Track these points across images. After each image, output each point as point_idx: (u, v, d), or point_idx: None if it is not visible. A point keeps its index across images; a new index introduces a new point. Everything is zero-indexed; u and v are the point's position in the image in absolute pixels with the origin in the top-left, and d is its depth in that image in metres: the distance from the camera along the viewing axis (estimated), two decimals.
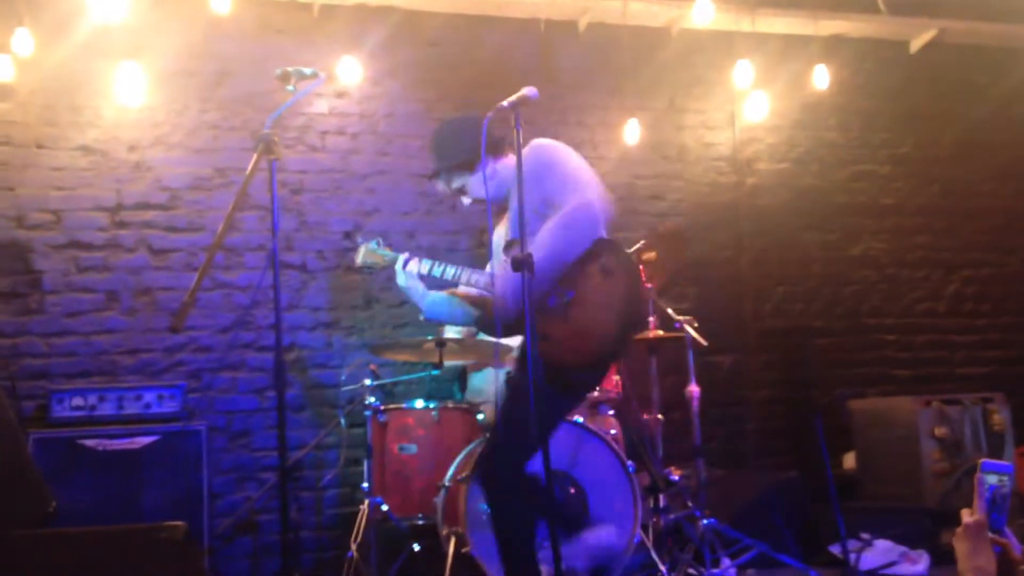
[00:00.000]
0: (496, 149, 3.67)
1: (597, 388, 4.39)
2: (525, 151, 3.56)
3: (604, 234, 3.50)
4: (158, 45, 5.17)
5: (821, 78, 5.96)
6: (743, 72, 5.79)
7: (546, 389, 3.36)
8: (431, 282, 3.71)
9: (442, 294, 3.74)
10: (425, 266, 3.70)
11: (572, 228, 3.44)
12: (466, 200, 3.73)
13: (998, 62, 6.61)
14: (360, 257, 3.78)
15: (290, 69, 3.38)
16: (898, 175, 6.47)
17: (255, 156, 3.15)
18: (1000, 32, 6.48)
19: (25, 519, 2.76)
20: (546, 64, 5.87)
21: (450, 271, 3.68)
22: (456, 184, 3.67)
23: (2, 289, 4.88)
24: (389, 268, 3.75)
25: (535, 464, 3.50)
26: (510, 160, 3.67)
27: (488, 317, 3.72)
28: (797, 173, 6.29)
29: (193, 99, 5.25)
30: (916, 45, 6.47)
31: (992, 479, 1.91)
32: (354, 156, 5.49)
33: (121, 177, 5.10)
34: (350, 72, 5.31)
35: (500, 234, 3.78)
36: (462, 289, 3.74)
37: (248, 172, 3.11)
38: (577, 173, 3.49)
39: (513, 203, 3.61)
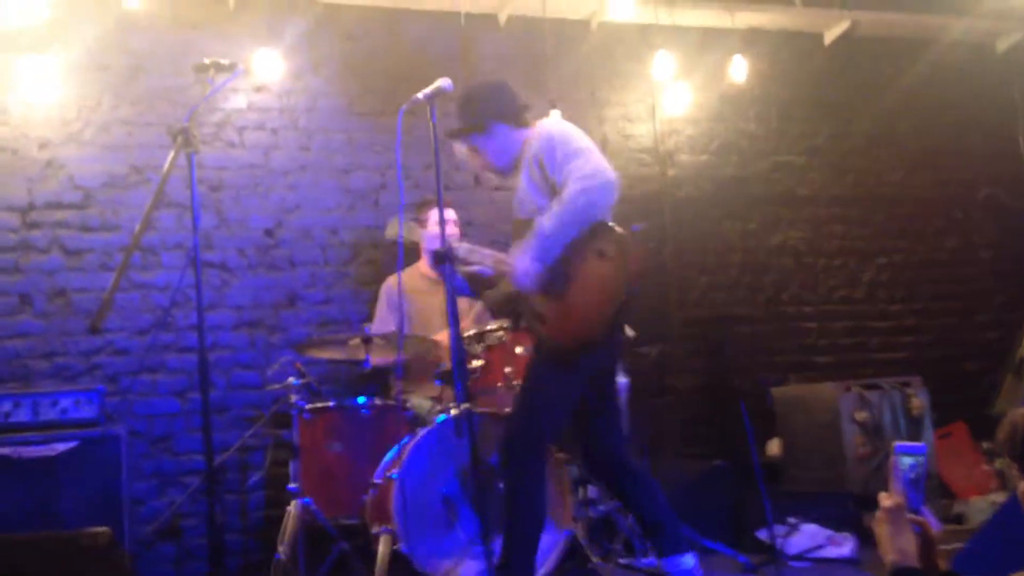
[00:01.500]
0: (514, 118, 3.71)
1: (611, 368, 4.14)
2: (534, 131, 3.65)
3: (605, 216, 3.55)
4: (68, 38, 5.02)
5: (739, 70, 6.04)
6: (662, 64, 5.85)
7: (550, 369, 3.52)
8: None
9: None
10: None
11: (570, 212, 3.47)
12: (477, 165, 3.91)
13: (908, 53, 6.78)
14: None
15: (207, 61, 3.32)
16: (814, 165, 6.59)
17: (173, 150, 3.08)
18: (910, 23, 6.64)
19: None
20: (467, 57, 5.84)
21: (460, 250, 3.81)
22: (469, 144, 3.78)
23: None
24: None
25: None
26: (528, 134, 3.71)
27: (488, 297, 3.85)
28: (717, 164, 6.36)
29: (106, 94, 5.11)
30: (830, 37, 6.59)
31: (907, 460, 1.94)
32: (275, 152, 5.40)
33: (32, 176, 4.94)
34: (269, 66, 5.22)
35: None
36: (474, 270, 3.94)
37: (166, 167, 3.04)
38: (579, 153, 3.52)
39: (521, 179, 3.64)
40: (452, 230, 4.86)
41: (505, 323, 4.38)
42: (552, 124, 3.73)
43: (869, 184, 6.68)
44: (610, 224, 3.56)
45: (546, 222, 3.52)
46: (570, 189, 3.47)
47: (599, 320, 3.50)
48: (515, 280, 3.59)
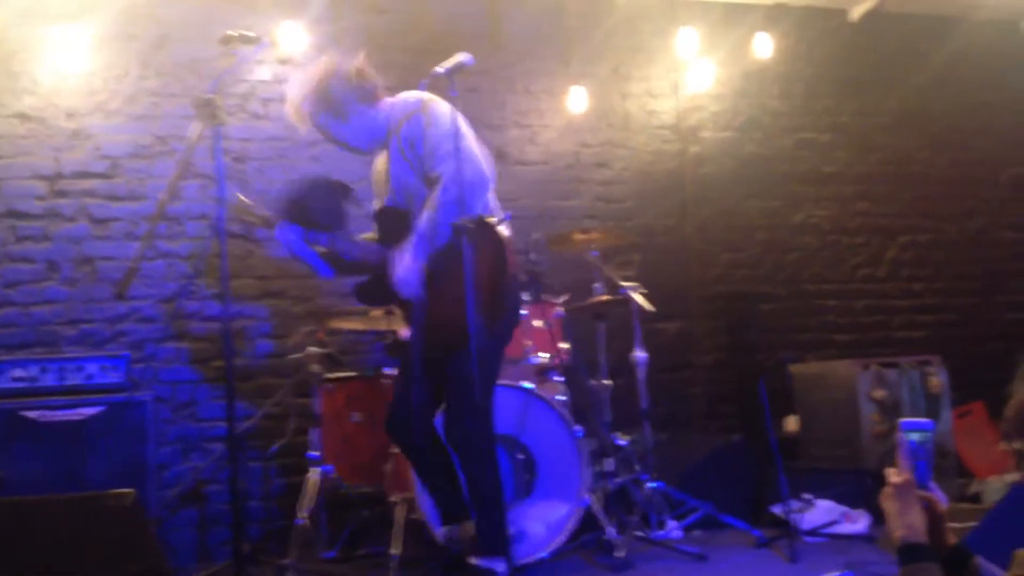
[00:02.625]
0: (366, 97, 3.63)
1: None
2: (398, 100, 3.59)
3: (477, 207, 3.44)
4: (97, 8, 5.05)
5: (763, 46, 6.01)
6: (686, 40, 5.83)
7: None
8: None
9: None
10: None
11: (443, 208, 3.40)
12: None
13: (937, 30, 6.71)
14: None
15: (233, 32, 3.34)
16: (839, 143, 6.56)
17: (199, 122, 3.12)
18: (938, 0, 6.57)
19: None
20: (494, 31, 5.84)
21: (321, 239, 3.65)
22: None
23: None
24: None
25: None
26: (385, 108, 3.65)
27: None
28: (741, 141, 6.35)
29: (133, 64, 5.15)
30: (857, 13, 6.54)
31: (914, 436, 1.96)
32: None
33: (59, 145, 5.00)
34: (294, 38, 5.24)
35: (379, 192, 3.79)
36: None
37: (192, 138, 3.08)
38: (449, 141, 3.38)
39: (394, 168, 3.58)
40: None
41: (524, 296, 4.42)
42: (419, 103, 3.56)
43: (894, 162, 6.65)
44: (482, 217, 3.44)
45: (422, 226, 3.44)
46: (441, 192, 3.39)
47: (465, 311, 3.31)
48: (398, 288, 3.50)
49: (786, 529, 4.31)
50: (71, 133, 5.02)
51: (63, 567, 2.54)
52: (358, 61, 3.63)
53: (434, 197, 3.43)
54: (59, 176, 4.99)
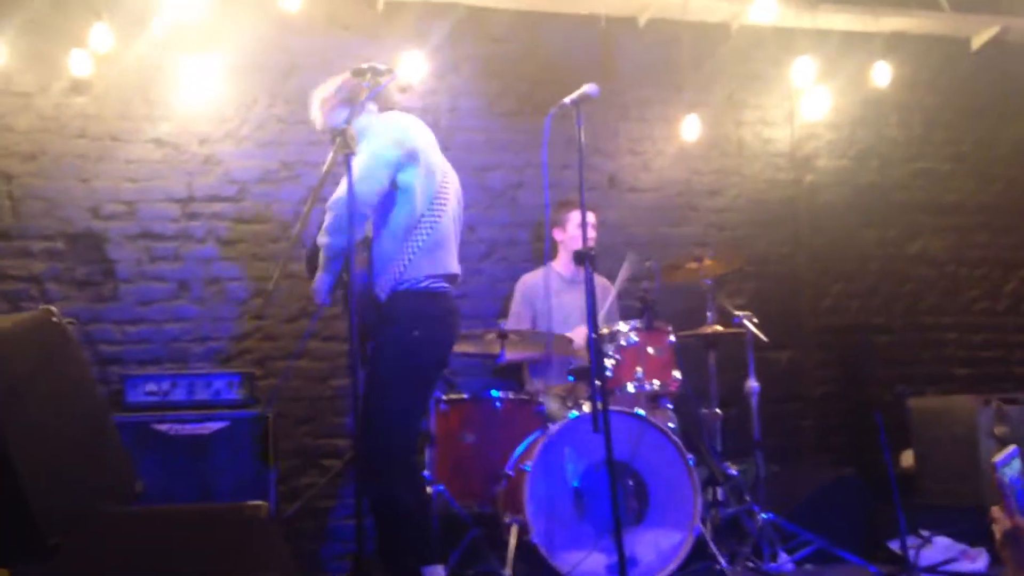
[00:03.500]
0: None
1: None
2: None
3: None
4: (229, 40, 5.29)
5: (882, 75, 5.95)
6: (803, 68, 5.80)
7: None
8: None
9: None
10: None
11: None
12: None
13: None
14: None
15: (364, 66, 3.46)
16: (959, 173, 6.43)
17: (332, 151, 3.24)
18: None
19: (113, 497, 2.87)
20: (606, 60, 5.91)
21: None
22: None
23: (78, 277, 5.04)
24: None
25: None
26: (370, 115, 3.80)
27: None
28: (856, 170, 6.27)
29: (262, 93, 5.36)
30: (978, 42, 6.42)
31: (1009, 472, 1.90)
32: None
33: (192, 170, 5.24)
34: (414, 67, 5.38)
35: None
36: None
37: (326, 166, 3.21)
38: (367, 159, 3.53)
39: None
40: (591, 233, 4.93)
41: (637, 324, 4.46)
42: (378, 116, 3.83)
43: (1018, 193, 6.48)
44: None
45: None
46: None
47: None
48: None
49: (903, 565, 4.24)
50: (203, 159, 5.25)
51: None
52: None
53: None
54: (191, 199, 5.22)
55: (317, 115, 3.91)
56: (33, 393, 2.66)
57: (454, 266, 3.76)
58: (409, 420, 3.68)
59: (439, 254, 3.68)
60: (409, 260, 3.61)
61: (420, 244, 3.62)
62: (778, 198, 6.11)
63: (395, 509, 3.52)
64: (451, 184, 3.86)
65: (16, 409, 2.57)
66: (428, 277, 3.63)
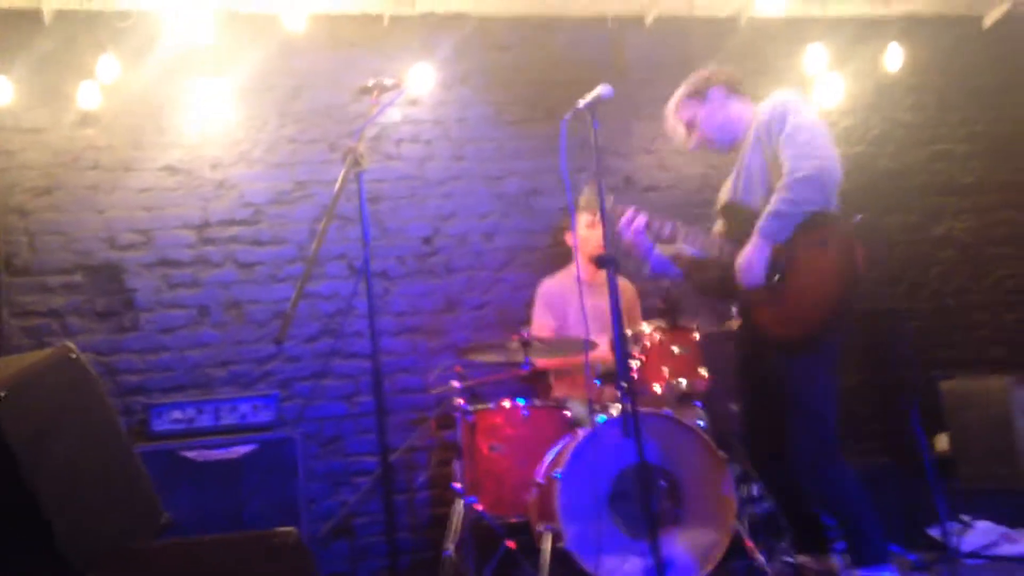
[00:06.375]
0: (733, 86, 3.81)
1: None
2: (766, 100, 3.71)
3: (829, 204, 3.57)
4: (236, 63, 5.30)
5: (894, 59, 5.88)
6: (814, 57, 5.75)
7: (806, 364, 3.56)
8: None
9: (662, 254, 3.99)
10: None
11: (795, 188, 3.50)
12: (691, 143, 3.90)
13: None
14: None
15: (371, 82, 3.45)
16: (976, 152, 6.35)
17: (344, 168, 3.23)
18: None
19: (141, 531, 2.85)
20: (615, 60, 5.88)
21: (666, 228, 3.85)
22: (685, 114, 3.84)
23: (98, 309, 5.05)
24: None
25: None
26: (748, 107, 3.80)
27: (695, 278, 3.92)
28: (874, 156, 6.21)
29: (272, 114, 5.37)
30: (989, 20, 6.35)
31: None
32: (429, 162, 5.57)
33: (206, 195, 5.24)
34: (422, 80, 5.38)
35: (726, 188, 3.83)
36: (680, 248, 3.99)
37: (338, 184, 3.19)
38: (807, 132, 3.52)
39: (747, 160, 3.67)
40: (597, 231, 4.88)
41: (661, 323, 4.41)
42: (786, 93, 3.71)
43: None
44: (833, 212, 3.53)
45: (772, 208, 3.51)
46: (793, 170, 3.47)
47: (819, 314, 3.47)
48: (742, 277, 3.59)
49: (944, 552, 4.18)
50: (217, 183, 5.25)
51: None
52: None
53: (786, 179, 3.51)
54: (206, 224, 5.22)
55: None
56: (56, 434, 2.65)
57: None
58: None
59: None
60: None
61: None
62: None
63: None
64: None
65: (42, 452, 2.56)
66: None
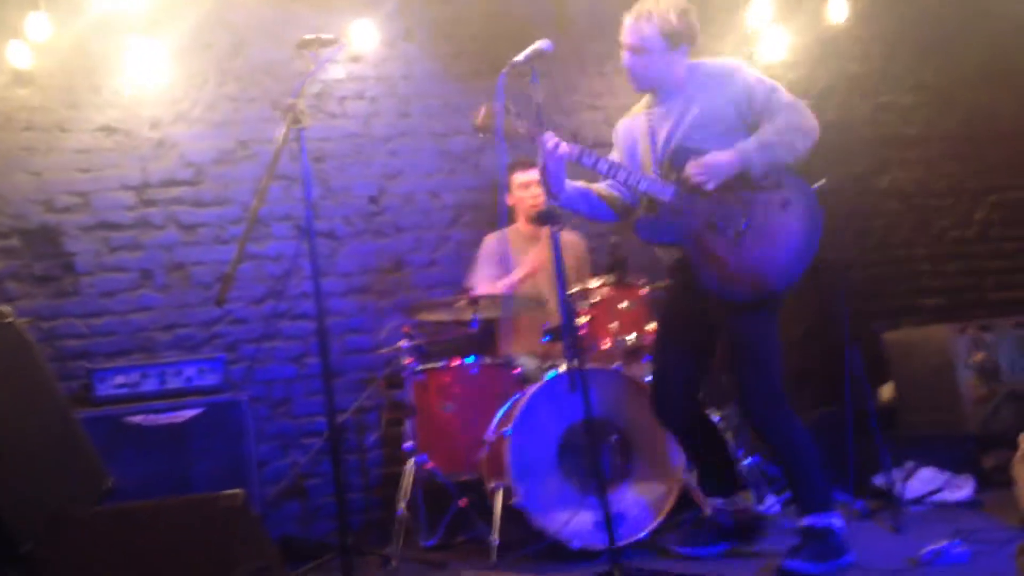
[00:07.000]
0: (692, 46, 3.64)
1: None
2: (703, 63, 3.68)
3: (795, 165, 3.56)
4: (172, 19, 5.15)
5: (838, 9, 5.88)
6: (758, 9, 5.73)
7: (756, 319, 3.58)
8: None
9: (581, 187, 3.77)
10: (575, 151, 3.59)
11: (790, 131, 3.51)
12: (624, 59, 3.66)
13: None
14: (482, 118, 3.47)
15: (310, 37, 3.39)
16: (921, 103, 6.38)
17: (284, 127, 3.17)
18: None
19: (83, 497, 2.81)
20: (560, 14, 5.82)
21: (602, 165, 3.62)
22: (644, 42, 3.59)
23: (37, 273, 4.94)
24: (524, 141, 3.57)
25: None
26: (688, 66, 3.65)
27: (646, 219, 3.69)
28: (819, 108, 6.11)
29: (211, 72, 5.25)
30: None
31: None
32: (374, 120, 5.49)
33: (145, 155, 5.13)
34: (365, 36, 5.29)
35: (661, 134, 3.66)
36: (603, 186, 3.81)
37: (279, 143, 3.13)
38: (802, 108, 3.57)
39: (700, 109, 3.57)
40: (536, 191, 4.83)
41: (609, 279, 4.41)
42: (739, 66, 3.67)
43: (981, 120, 6.43)
44: (796, 176, 3.51)
45: (764, 137, 3.47)
46: (783, 119, 3.48)
47: (774, 280, 3.47)
48: (698, 170, 3.45)
49: (889, 499, 4.24)
50: (156, 143, 5.14)
51: (178, 571, 2.61)
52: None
53: (780, 120, 3.50)
54: (146, 186, 5.12)
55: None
56: None
57: None
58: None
59: None
60: None
61: None
62: None
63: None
64: None
65: None
66: None
